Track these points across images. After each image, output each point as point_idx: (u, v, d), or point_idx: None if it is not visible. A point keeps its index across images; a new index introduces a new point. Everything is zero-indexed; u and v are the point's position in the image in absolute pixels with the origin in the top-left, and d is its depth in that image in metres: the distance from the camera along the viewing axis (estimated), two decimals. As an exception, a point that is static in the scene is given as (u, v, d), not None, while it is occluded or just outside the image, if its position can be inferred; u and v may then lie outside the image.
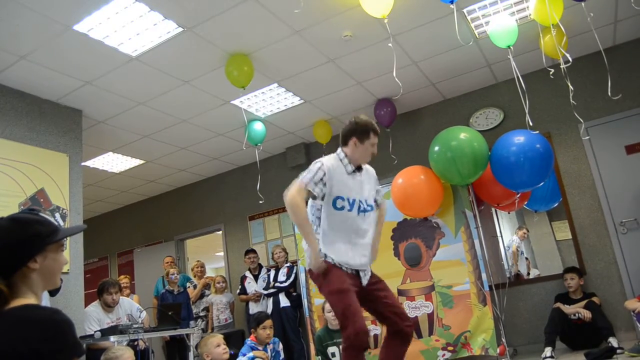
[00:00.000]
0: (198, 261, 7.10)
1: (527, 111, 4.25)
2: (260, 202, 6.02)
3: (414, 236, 5.24)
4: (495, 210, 5.72)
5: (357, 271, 2.92)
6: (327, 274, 2.81)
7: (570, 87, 4.19)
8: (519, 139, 4.52)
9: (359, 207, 2.94)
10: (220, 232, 7.81)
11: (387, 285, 3.06)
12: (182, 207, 8.12)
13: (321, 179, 2.87)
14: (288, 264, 6.28)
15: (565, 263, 5.40)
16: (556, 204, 5.44)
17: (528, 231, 5.97)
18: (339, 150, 3.05)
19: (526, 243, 5.95)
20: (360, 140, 2.98)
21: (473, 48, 5.06)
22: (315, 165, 2.92)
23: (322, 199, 2.89)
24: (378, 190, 3.17)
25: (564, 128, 5.45)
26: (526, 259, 5.89)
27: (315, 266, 2.82)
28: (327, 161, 2.94)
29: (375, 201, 3.13)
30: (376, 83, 5.56)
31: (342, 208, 2.88)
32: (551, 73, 4.35)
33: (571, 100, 4.28)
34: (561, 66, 4.13)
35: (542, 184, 4.58)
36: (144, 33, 4.15)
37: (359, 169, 3.03)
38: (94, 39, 4.11)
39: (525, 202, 5.15)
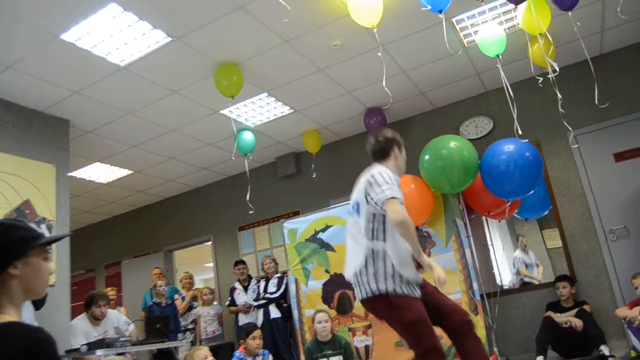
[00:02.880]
0: (186, 273, 7.05)
1: (516, 120, 4.27)
2: (250, 212, 6.01)
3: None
4: (486, 219, 5.75)
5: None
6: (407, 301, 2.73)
7: (559, 95, 4.24)
8: (508, 147, 4.55)
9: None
10: (210, 243, 7.78)
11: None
12: (170, 218, 8.09)
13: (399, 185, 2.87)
14: (278, 275, 6.26)
15: (556, 271, 5.44)
16: (546, 212, 5.47)
17: (524, 237, 6.00)
18: (381, 166, 2.98)
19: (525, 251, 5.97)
20: (400, 149, 3.08)
21: (462, 57, 5.12)
22: (385, 175, 2.84)
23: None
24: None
25: (553, 136, 5.51)
26: (537, 265, 5.91)
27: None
28: (389, 171, 2.91)
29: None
30: (366, 92, 5.59)
31: None
32: (540, 82, 4.41)
33: (560, 109, 4.34)
34: (549, 75, 4.18)
35: (532, 192, 4.60)
36: (133, 42, 4.15)
37: None
38: (82, 48, 4.10)
39: (516, 211, 5.17)
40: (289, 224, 5.92)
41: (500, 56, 4.47)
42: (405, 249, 2.79)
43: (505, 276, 5.88)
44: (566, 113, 4.62)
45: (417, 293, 2.80)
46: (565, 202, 5.39)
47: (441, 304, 2.86)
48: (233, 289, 6.54)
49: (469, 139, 5.20)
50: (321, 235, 5.53)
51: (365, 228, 2.83)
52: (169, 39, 4.16)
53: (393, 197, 2.71)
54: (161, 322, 4.70)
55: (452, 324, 2.80)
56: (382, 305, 2.76)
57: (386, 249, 2.76)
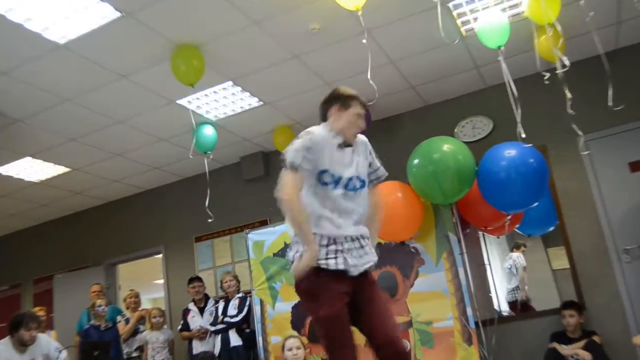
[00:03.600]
0: (132, 290, 6.98)
1: (519, 121, 4.35)
2: (209, 220, 5.98)
3: (388, 263, 5.31)
4: (483, 234, 5.85)
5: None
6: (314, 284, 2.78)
7: (568, 94, 4.32)
8: (510, 152, 4.65)
9: (346, 185, 2.92)
10: (160, 255, 7.75)
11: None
12: (114, 225, 8.04)
13: (308, 148, 2.85)
14: (240, 295, 6.24)
15: (562, 295, 5.56)
16: (552, 228, 5.58)
17: (526, 247, 6.15)
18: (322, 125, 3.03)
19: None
20: (343, 106, 2.99)
21: (459, 47, 5.20)
22: (300, 135, 2.91)
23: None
24: (372, 164, 3.15)
25: (560, 141, 5.63)
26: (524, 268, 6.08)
27: (301, 269, 2.76)
28: (316, 129, 2.94)
29: (371, 179, 3.12)
30: (347, 84, 5.25)
31: (326, 184, 2.87)
32: (546, 78, 4.50)
33: (569, 110, 4.44)
34: (557, 71, 4.28)
35: (536, 204, 4.70)
36: (75, 17, 4.12)
37: (346, 145, 3.00)
38: (13, 22, 4.06)
39: (517, 225, 5.27)
40: (254, 235, 6.00)
41: (502, 48, 4.58)
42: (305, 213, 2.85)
43: (504, 300, 6.00)
44: (576, 115, 4.69)
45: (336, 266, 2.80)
46: (573, 217, 5.51)
47: (376, 323, 2.84)
48: (187, 311, 6.53)
49: (464, 142, 5.29)
50: (292, 249, 5.59)
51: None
52: (118, 14, 4.16)
53: (287, 166, 2.82)
54: (100, 348, 4.71)
55: (383, 356, 2.80)
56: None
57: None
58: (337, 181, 2.89)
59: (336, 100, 3.03)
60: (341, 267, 2.79)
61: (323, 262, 2.77)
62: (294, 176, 2.81)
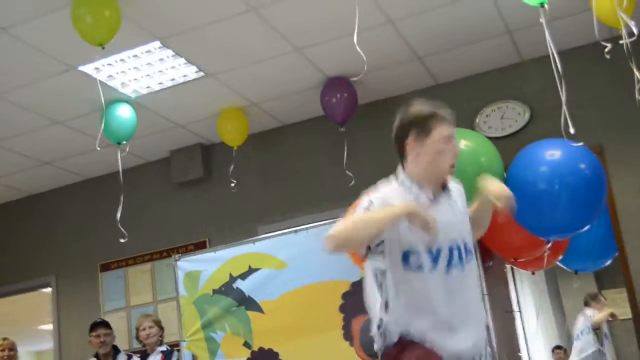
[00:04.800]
0: (5, 340, 6.86)
1: (565, 109, 4.34)
2: (122, 240, 5.85)
3: (374, 308, 5.24)
4: (512, 269, 5.84)
5: None
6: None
7: (637, 74, 4.30)
8: (552, 153, 4.65)
9: (449, 258, 2.89)
10: (49, 289, 7.69)
11: None
12: (-18, 244, 7.94)
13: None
14: (163, 348, 6.21)
15: (621, 356, 5.54)
16: (608, 262, 5.58)
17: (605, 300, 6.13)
18: (398, 171, 3.05)
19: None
20: (420, 135, 2.93)
21: (485, 2, 5.19)
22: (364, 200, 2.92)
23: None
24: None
25: (624, 139, 5.64)
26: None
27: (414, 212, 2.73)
28: (382, 190, 2.96)
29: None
30: (325, 51, 5.63)
31: (421, 267, 2.85)
32: (606, 50, 4.46)
33: (637, 95, 4.41)
34: (623, 41, 4.25)
35: (587, 227, 4.68)
36: None
37: (443, 188, 3.01)
38: None
39: (560, 257, 5.28)
40: (186, 264, 5.93)
41: (546, 5, 4.52)
42: None
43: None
44: (646, 102, 4.72)
45: None
46: (639, 247, 5.50)
47: None
48: (86, 370, 6.39)
49: (489, 137, 5.32)
50: (240, 284, 5.53)
51: None
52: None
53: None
54: None
55: None
56: None
57: None
58: (435, 258, 2.87)
59: (411, 126, 2.96)
60: None
61: None
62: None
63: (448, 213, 2.94)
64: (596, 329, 6.14)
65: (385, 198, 2.87)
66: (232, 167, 6.67)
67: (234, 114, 6.42)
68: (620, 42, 4.40)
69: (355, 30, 4.60)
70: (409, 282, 2.84)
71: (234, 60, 5.68)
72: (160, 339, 6.25)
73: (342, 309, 5.28)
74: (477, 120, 6.09)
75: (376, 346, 2.93)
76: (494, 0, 5.19)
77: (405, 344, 2.81)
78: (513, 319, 5.65)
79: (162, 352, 6.13)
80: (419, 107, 3.00)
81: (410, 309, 2.84)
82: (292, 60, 5.70)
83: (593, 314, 6.15)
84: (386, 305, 2.88)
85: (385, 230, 2.76)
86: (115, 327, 6.67)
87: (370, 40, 5.25)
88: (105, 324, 6.48)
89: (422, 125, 2.92)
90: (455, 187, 3.12)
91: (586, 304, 6.39)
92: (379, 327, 2.88)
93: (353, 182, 5.86)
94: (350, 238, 2.81)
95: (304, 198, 6.59)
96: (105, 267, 7.35)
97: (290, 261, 5.40)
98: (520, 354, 5.58)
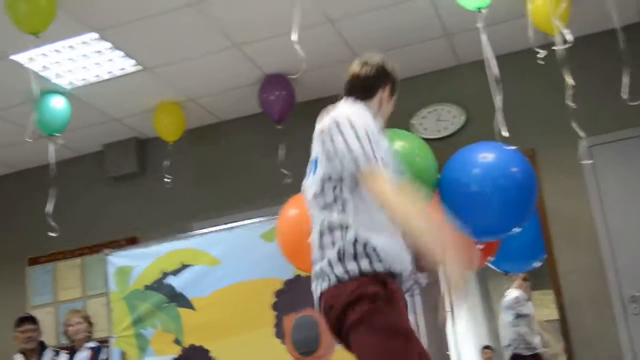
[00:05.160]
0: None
1: (500, 113, 4.39)
2: (53, 234, 5.75)
3: (309, 305, 5.21)
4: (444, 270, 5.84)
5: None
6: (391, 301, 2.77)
7: (569, 81, 4.37)
8: (485, 156, 4.64)
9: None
10: None
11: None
12: None
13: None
14: (92, 345, 6.14)
15: (549, 354, 5.62)
16: (537, 264, 5.67)
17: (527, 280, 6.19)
18: (356, 103, 3.11)
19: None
20: (392, 91, 3.27)
21: (424, 6, 5.24)
22: (357, 118, 2.93)
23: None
24: None
25: (555, 144, 5.75)
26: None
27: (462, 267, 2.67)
28: (353, 111, 3.02)
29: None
30: (265, 48, 5.66)
31: None
32: (541, 56, 4.53)
33: (568, 102, 4.48)
34: (556, 47, 4.31)
35: (517, 229, 4.71)
36: None
37: None
38: None
39: (491, 258, 5.31)
40: (117, 258, 5.86)
41: (483, 10, 4.58)
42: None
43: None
44: (578, 110, 4.78)
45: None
46: (566, 249, 5.62)
47: None
48: (12, 366, 6.32)
49: (424, 138, 5.28)
50: (172, 281, 5.49)
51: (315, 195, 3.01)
52: None
53: (372, 168, 2.80)
54: None
55: None
56: (360, 299, 2.78)
57: (350, 223, 2.86)
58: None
59: (392, 80, 3.28)
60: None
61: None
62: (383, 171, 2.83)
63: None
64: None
65: (367, 123, 2.93)
66: (167, 162, 6.64)
67: (170, 108, 6.40)
68: (554, 48, 4.47)
69: (295, 28, 4.60)
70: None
71: (172, 54, 5.67)
72: (89, 335, 6.21)
73: (275, 306, 5.27)
74: (413, 121, 6.16)
75: (343, 268, 2.83)
76: (433, 3, 5.25)
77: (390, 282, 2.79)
78: (444, 318, 5.62)
79: (91, 348, 6.09)
80: (394, 63, 3.32)
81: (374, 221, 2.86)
82: (231, 56, 5.71)
83: (520, 295, 6.25)
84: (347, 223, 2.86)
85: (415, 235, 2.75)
86: (43, 323, 6.59)
87: (309, 38, 5.25)
88: (32, 320, 6.41)
89: (396, 85, 3.29)
90: None
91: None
92: (354, 243, 2.81)
93: (290, 179, 5.87)
94: (400, 216, 2.74)
95: (240, 195, 6.57)
96: (34, 261, 7.30)
97: (223, 258, 5.36)
98: (448, 353, 5.62)
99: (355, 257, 2.77)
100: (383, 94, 3.22)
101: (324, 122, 3.05)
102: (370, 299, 2.71)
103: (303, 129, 6.28)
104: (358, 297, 2.72)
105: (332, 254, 2.83)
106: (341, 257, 2.80)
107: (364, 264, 2.76)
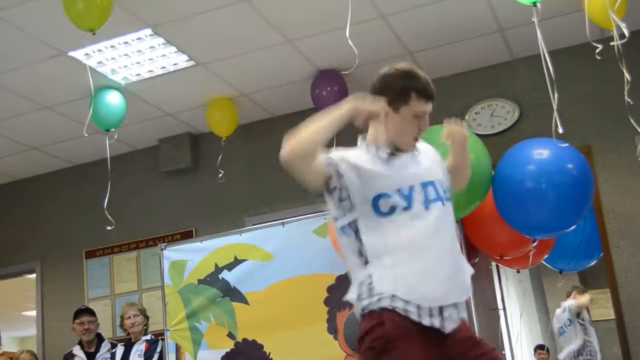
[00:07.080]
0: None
1: (556, 109, 4.35)
2: (109, 227, 5.85)
3: (357, 303, 5.25)
4: (497, 267, 5.84)
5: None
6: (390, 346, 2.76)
7: (627, 76, 4.31)
8: (540, 152, 4.64)
9: (425, 195, 2.86)
10: (34, 275, 7.68)
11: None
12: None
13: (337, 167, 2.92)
14: (148, 337, 6.19)
15: (604, 356, 5.57)
16: (593, 262, 5.60)
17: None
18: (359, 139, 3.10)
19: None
20: (394, 106, 2.94)
21: (477, 1, 5.21)
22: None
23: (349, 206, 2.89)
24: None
25: (612, 141, 5.67)
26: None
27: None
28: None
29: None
30: (317, 44, 5.65)
31: (393, 210, 2.81)
32: (597, 51, 4.48)
33: (626, 98, 4.43)
34: (614, 42, 4.26)
35: (573, 227, 4.68)
36: None
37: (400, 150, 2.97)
38: None
39: (545, 256, 5.29)
40: (172, 253, 5.89)
41: (538, 4, 4.54)
42: None
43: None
44: (636, 105, 4.72)
45: None
46: (624, 248, 5.53)
47: None
48: (70, 357, 6.40)
49: (478, 134, 5.30)
50: (226, 275, 5.51)
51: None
52: None
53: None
54: None
55: None
56: None
57: None
58: (408, 197, 2.84)
59: (389, 94, 2.96)
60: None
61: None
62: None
63: (413, 162, 2.95)
64: (580, 319, 6.14)
65: (344, 153, 2.96)
66: (220, 157, 6.66)
67: (223, 104, 6.42)
68: (612, 43, 4.41)
69: (348, 24, 4.61)
70: (384, 228, 2.80)
71: (225, 50, 5.68)
72: (144, 328, 6.24)
73: (327, 302, 5.26)
74: (466, 117, 6.10)
75: (360, 305, 2.90)
76: (487, -2, 5.25)
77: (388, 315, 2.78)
78: (497, 316, 5.64)
79: (147, 341, 6.12)
80: (405, 74, 2.98)
81: (393, 255, 2.79)
82: (284, 51, 5.71)
83: (572, 303, 6.13)
84: (365, 260, 2.84)
85: (337, 129, 2.94)
86: (99, 315, 6.68)
87: (362, 34, 5.27)
88: (90, 312, 6.52)
89: (400, 93, 2.93)
90: (423, 145, 3.09)
91: (568, 296, 6.38)
92: (368, 283, 2.81)
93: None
94: (306, 142, 2.84)
95: (292, 190, 6.54)
96: (91, 255, 7.34)
97: (276, 253, 5.37)
98: (504, 352, 5.58)
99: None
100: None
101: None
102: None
103: (355, 126, 6.35)
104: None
105: None
106: None
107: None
